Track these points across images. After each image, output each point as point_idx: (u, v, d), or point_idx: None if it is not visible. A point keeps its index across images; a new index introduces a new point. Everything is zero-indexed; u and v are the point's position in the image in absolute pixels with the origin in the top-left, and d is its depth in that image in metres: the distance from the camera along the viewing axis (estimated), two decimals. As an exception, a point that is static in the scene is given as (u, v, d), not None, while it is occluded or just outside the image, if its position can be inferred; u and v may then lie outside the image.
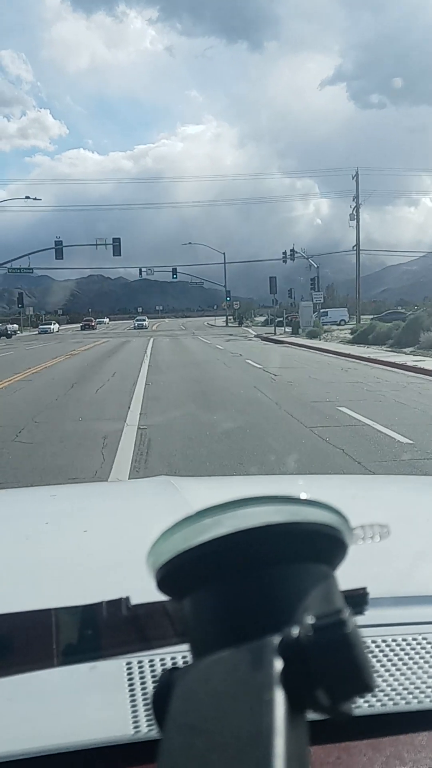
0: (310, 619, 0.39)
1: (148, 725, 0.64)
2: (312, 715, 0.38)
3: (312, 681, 0.37)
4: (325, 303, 71.38)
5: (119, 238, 45.23)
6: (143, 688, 0.69)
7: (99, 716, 0.66)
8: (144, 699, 0.68)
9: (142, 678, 0.71)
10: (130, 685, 0.70)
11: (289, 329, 45.51)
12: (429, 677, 0.72)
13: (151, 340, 41.84)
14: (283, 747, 0.33)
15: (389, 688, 0.70)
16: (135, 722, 0.65)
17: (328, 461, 7.09)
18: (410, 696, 0.69)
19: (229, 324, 72.53)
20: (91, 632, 0.58)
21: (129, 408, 11.02)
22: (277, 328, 46.82)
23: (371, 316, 59.04)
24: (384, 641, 0.77)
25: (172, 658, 0.72)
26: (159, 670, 0.71)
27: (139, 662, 0.73)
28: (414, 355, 21.39)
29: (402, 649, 0.77)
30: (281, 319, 70.64)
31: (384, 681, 0.71)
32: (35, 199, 46.39)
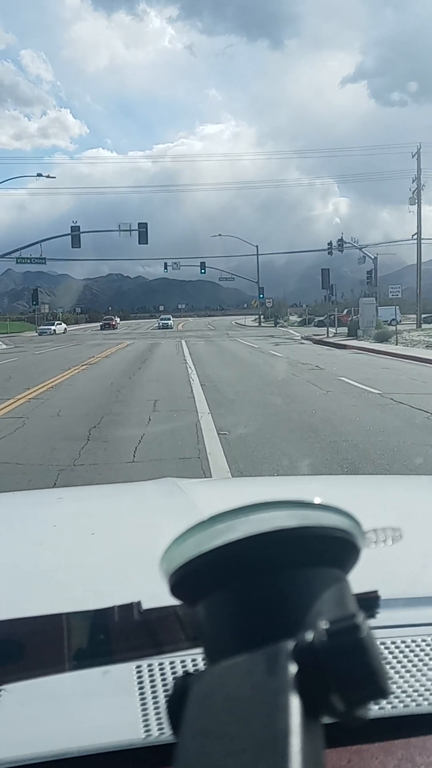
0: (324, 624, 0.39)
1: (159, 729, 0.64)
2: (326, 720, 0.38)
3: (327, 686, 0.37)
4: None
5: (146, 224, 38.72)
6: (153, 692, 0.69)
7: (110, 720, 0.66)
8: (154, 703, 0.67)
9: (152, 682, 0.70)
10: (140, 689, 0.70)
11: (338, 330, 38.67)
12: None
13: (183, 342, 35.18)
14: (299, 752, 0.33)
15: (400, 691, 0.69)
16: (146, 726, 0.64)
17: None
18: (421, 698, 0.68)
19: (263, 324, 65.59)
20: (103, 636, 0.58)
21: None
22: (324, 328, 40.00)
23: (422, 316, 51.87)
24: (393, 643, 0.76)
25: (182, 662, 0.72)
26: (169, 674, 0.71)
27: (149, 666, 0.72)
28: None
29: (412, 651, 0.76)
30: (321, 318, 63.81)
31: (395, 683, 0.70)
32: (48, 176, 40.22)
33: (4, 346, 36.59)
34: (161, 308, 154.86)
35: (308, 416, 9.43)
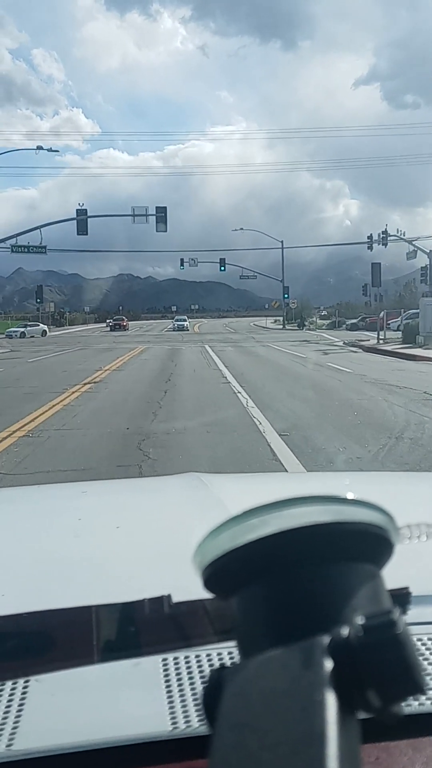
0: (359, 619, 0.39)
1: (186, 722, 0.64)
2: (361, 715, 0.37)
3: (362, 681, 0.36)
4: (400, 302, 58.35)
5: (165, 208, 32.94)
6: (179, 685, 0.69)
7: (137, 712, 0.66)
8: (180, 696, 0.68)
9: (178, 675, 0.71)
10: (167, 681, 0.70)
11: (384, 334, 32.74)
12: None
13: (208, 349, 29.30)
14: (335, 747, 0.33)
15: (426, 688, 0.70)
16: (173, 719, 0.65)
17: None
18: None
19: (288, 326, 59.56)
20: (133, 629, 0.58)
21: None
22: (360, 332, 34.01)
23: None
24: (420, 640, 0.76)
25: (208, 656, 0.73)
26: (195, 667, 0.72)
27: (175, 659, 0.73)
28: None
29: None
30: (354, 320, 57.79)
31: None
32: (50, 150, 34.60)
33: (-2, 350, 30.89)
34: (174, 309, 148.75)
35: None
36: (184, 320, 65.62)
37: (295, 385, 14.35)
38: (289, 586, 0.43)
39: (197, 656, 0.73)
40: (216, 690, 0.41)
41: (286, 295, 59.58)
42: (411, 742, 0.62)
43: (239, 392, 12.82)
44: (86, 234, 32.92)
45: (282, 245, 59.45)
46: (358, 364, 20.16)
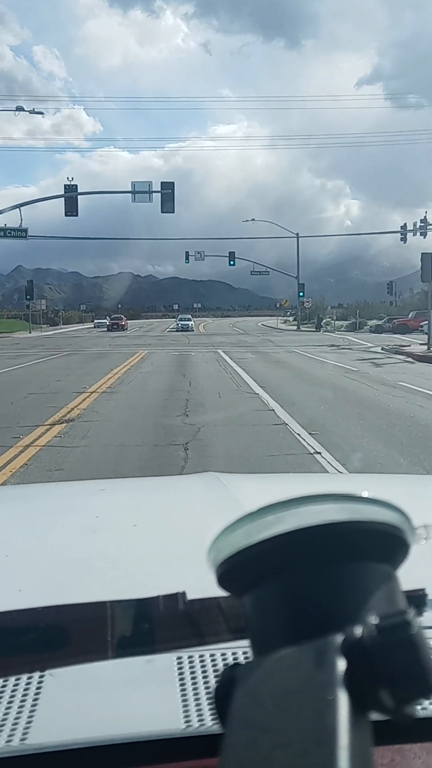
0: (373, 619, 0.38)
1: (199, 720, 0.63)
2: (373, 716, 0.37)
3: (376, 681, 0.36)
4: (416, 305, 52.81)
5: (172, 183, 27.33)
6: (194, 683, 0.69)
7: (151, 709, 0.66)
8: (194, 694, 0.67)
9: (192, 673, 0.70)
10: (181, 679, 0.69)
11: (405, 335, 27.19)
12: None
13: (224, 355, 23.66)
14: (347, 747, 0.33)
15: None
16: (186, 716, 0.64)
17: None
18: None
19: (302, 328, 53.86)
20: (148, 626, 0.58)
21: None
22: (386, 335, 28.38)
23: None
24: None
25: (222, 655, 0.72)
26: (209, 665, 0.71)
27: (190, 657, 0.72)
28: None
29: None
30: (378, 322, 52.18)
31: None
32: (33, 111, 28.95)
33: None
34: (175, 307, 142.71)
35: None
36: (189, 320, 59.39)
37: (396, 429, 8.69)
38: (303, 584, 0.43)
39: (212, 654, 0.72)
40: (228, 688, 0.40)
41: (301, 293, 53.79)
42: (425, 746, 0.61)
43: (318, 452, 7.19)
44: (76, 215, 27.26)
45: (297, 237, 53.79)
46: (427, 378, 14.61)
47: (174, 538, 1.16)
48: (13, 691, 0.67)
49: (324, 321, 51.24)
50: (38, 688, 0.67)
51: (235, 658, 0.70)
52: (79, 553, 1.11)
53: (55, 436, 8.21)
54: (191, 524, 1.25)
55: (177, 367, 18.82)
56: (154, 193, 27.21)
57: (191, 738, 0.62)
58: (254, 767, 0.35)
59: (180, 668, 0.71)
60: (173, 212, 26.78)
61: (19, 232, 29.13)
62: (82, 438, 8.13)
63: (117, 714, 0.65)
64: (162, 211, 26.95)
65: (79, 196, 28.74)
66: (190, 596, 0.57)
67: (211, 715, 0.63)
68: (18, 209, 28.56)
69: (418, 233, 36.25)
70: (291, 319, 74.44)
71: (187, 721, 0.64)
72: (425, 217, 34.96)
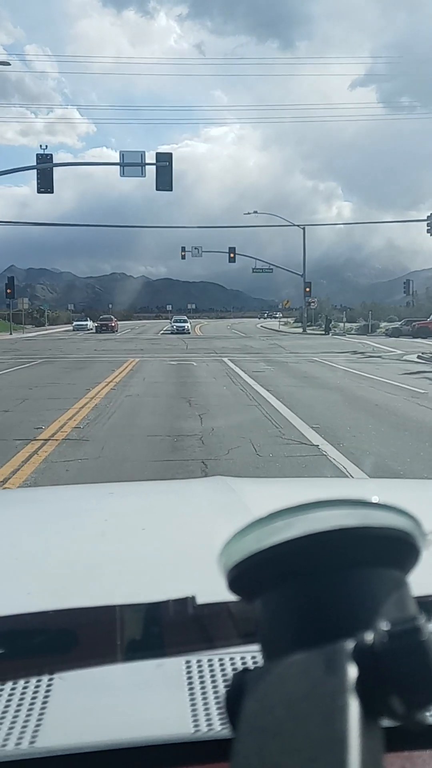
0: (384, 625, 0.38)
1: (208, 725, 0.63)
2: (384, 723, 0.37)
3: (386, 688, 0.36)
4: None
5: (169, 155, 22.44)
6: (203, 688, 0.68)
7: (159, 713, 0.65)
8: (204, 699, 0.67)
9: (201, 678, 0.69)
10: (190, 684, 0.69)
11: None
12: None
13: (235, 367, 18.83)
14: (357, 754, 0.33)
15: None
16: (195, 721, 0.64)
17: None
18: None
19: (309, 331, 48.98)
20: (157, 630, 0.58)
21: None
22: (407, 339, 23.66)
23: None
24: None
25: (231, 660, 0.71)
26: (218, 670, 0.70)
27: (199, 662, 0.71)
28: None
29: None
30: (395, 325, 47.41)
31: None
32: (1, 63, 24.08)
33: None
34: (169, 308, 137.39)
35: None
36: (185, 321, 53.82)
37: None
38: (313, 589, 0.42)
39: (221, 659, 0.70)
40: (238, 693, 0.40)
41: (307, 296, 48.87)
42: None
43: None
44: (51, 191, 22.32)
45: (303, 230, 49.04)
46: None
47: (183, 543, 1.15)
48: (22, 694, 0.66)
49: (334, 323, 46.31)
50: (47, 691, 0.66)
51: (244, 663, 0.69)
52: (89, 556, 1.11)
53: None
54: (200, 528, 1.25)
55: (177, 387, 13.93)
56: (147, 166, 22.24)
57: (200, 743, 0.61)
58: None
59: (189, 672, 0.69)
60: (171, 189, 21.84)
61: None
62: None
63: (126, 718, 0.64)
64: (157, 188, 21.91)
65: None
66: (199, 600, 0.56)
67: (221, 720, 0.62)
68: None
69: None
70: (291, 321, 69.67)
71: (196, 726, 0.63)
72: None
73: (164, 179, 21.95)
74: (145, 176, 21.75)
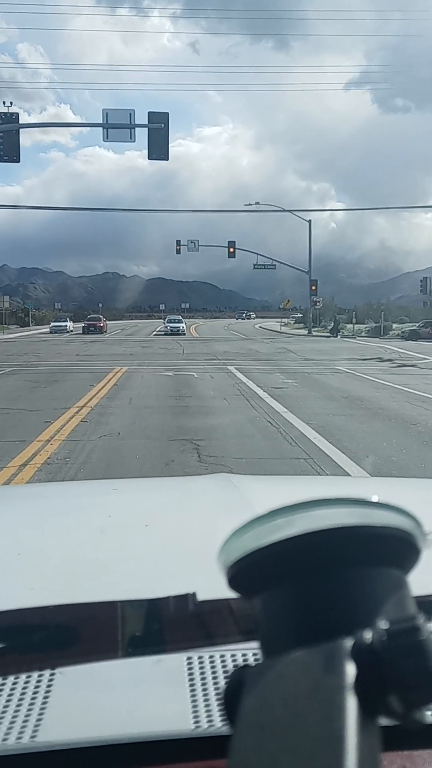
0: (383, 624, 0.38)
1: (208, 721, 0.63)
2: (382, 722, 0.37)
3: (385, 686, 0.36)
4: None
5: (165, 114, 18.08)
6: (203, 684, 0.68)
7: (160, 709, 0.65)
8: (204, 695, 0.67)
9: (202, 674, 0.69)
10: (191, 680, 0.69)
11: None
12: None
13: (252, 384, 14.69)
14: (355, 752, 0.33)
15: None
16: (195, 717, 0.63)
17: None
18: None
19: (314, 332, 44.90)
20: (158, 626, 0.58)
21: None
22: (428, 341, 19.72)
23: None
24: None
25: (232, 656, 0.71)
26: (219, 667, 0.70)
27: (200, 658, 0.71)
28: None
29: None
30: (413, 326, 43.45)
31: None
32: None
33: None
34: (162, 307, 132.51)
35: None
36: (179, 322, 48.89)
37: None
38: (313, 588, 0.42)
39: (221, 655, 0.70)
40: (237, 690, 0.40)
41: (313, 294, 44.71)
42: None
43: None
44: (17, 160, 18.08)
45: (309, 224, 45.00)
46: None
47: (185, 539, 1.15)
48: (23, 688, 0.65)
49: (341, 325, 42.28)
50: (48, 686, 0.66)
51: (244, 660, 0.69)
52: (91, 552, 1.10)
53: None
54: (202, 525, 1.24)
55: (177, 417, 9.77)
56: (137, 128, 17.85)
57: (199, 739, 0.61)
58: None
59: (190, 669, 0.69)
60: (167, 159, 17.53)
61: None
62: None
63: (126, 713, 0.63)
64: (150, 156, 17.55)
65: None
66: (200, 597, 0.56)
67: (220, 716, 0.62)
68: None
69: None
70: (292, 321, 65.62)
71: (195, 722, 0.62)
72: None
73: (158, 145, 17.49)
74: (134, 140, 17.25)
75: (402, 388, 13.48)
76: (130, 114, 17.20)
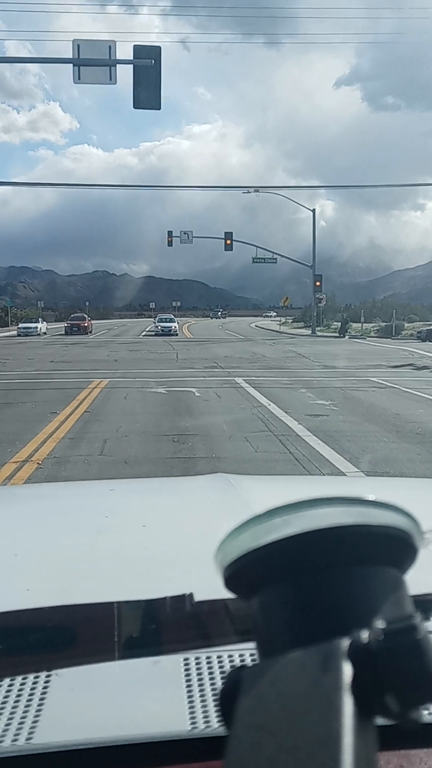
0: (380, 624, 0.38)
1: (205, 722, 0.62)
2: (379, 721, 0.36)
3: (382, 686, 0.35)
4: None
5: (157, 48, 12.96)
6: (200, 685, 0.67)
7: (157, 711, 0.65)
8: (201, 696, 0.66)
9: (199, 675, 0.69)
10: (188, 681, 0.68)
11: None
12: None
13: (274, 407, 10.69)
14: (351, 752, 0.32)
15: None
16: (192, 719, 0.63)
17: None
18: None
19: (318, 332, 40.95)
20: (155, 627, 0.58)
21: None
22: None
23: None
24: None
25: (230, 657, 0.71)
26: (216, 668, 0.70)
27: (197, 659, 0.71)
28: None
29: None
30: (430, 326, 39.61)
31: None
32: None
33: None
34: (152, 305, 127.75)
35: None
36: (171, 321, 44.35)
37: None
38: (309, 587, 0.42)
39: (218, 656, 0.70)
40: (234, 690, 0.40)
41: (318, 291, 40.72)
42: (431, 751, 0.60)
43: None
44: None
45: (314, 213, 41.06)
46: None
47: (183, 540, 1.14)
48: (19, 690, 0.65)
49: (347, 324, 38.36)
50: (44, 687, 0.65)
51: (241, 660, 0.68)
52: (88, 553, 1.10)
53: None
54: (200, 525, 1.23)
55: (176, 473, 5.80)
56: (119, 65, 13.10)
57: (197, 740, 0.60)
58: None
59: (186, 670, 0.68)
60: (159, 108, 13.12)
61: None
62: None
63: (122, 715, 0.63)
64: (137, 105, 12.90)
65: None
66: (197, 598, 0.56)
67: (217, 717, 0.61)
68: None
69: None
70: (290, 320, 61.69)
71: (192, 723, 0.62)
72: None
73: (147, 88, 12.85)
74: (114, 83, 12.85)
75: None
76: (110, 47, 12.72)
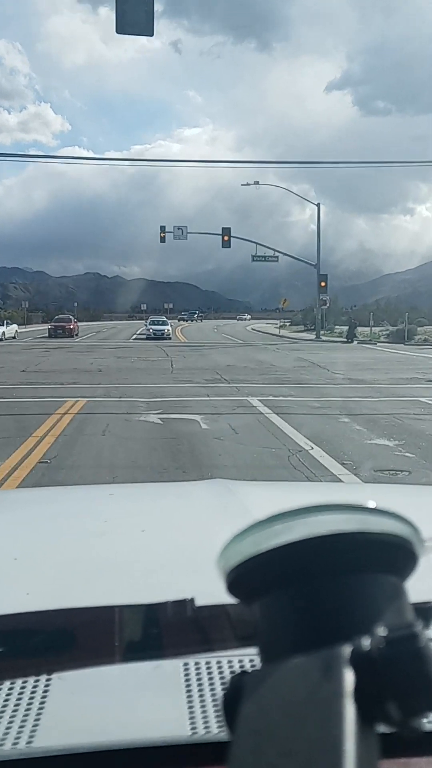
0: (381, 631, 0.38)
1: (205, 728, 0.62)
2: (380, 729, 0.36)
3: (383, 694, 0.35)
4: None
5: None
6: (200, 690, 0.67)
7: (157, 715, 0.64)
8: (201, 701, 0.66)
9: (199, 680, 0.68)
10: (188, 686, 0.68)
11: None
12: None
13: (322, 457, 7.36)
14: (353, 759, 0.32)
15: None
16: (192, 724, 0.63)
17: None
18: None
19: (322, 336, 37.64)
20: (156, 631, 0.58)
21: None
22: None
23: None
24: None
25: (229, 663, 0.70)
26: (216, 673, 0.69)
27: (197, 664, 0.70)
28: None
29: None
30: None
31: None
32: None
33: None
34: (143, 307, 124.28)
35: None
36: (164, 324, 41.14)
37: None
38: (311, 594, 0.42)
39: (219, 661, 0.69)
40: (235, 696, 0.40)
41: (322, 293, 37.42)
42: (431, 760, 0.60)
43: None
44: None
45: (318, 207, 37.89)
46: None
47: (182, 545, 1.14)
48: (20, 693, 0.65)
49: (354, 328, 35.13)
50: (45, 691, 0.65)
51: (242, 666, 0.68)
52: (88, 557, 1.09)
53: None
54: (200, 531, 1.23)
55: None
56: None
57: (197, 745, 0.60)
58: None
59: (187, 675, 0.68)
60: (150, 33, 9.61)
61: None
62: None
63: (123, 719, 0.62)
64: (119, 30, 9.51)
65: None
66: (198, 603, 0.56)
67: (218, 722, 0.61)
68: None
69: None
70: (288, 323, 58.43)
71: (193, 728, 0.61)
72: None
73: (133, 11, 9.83)
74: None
75: None
76: None
